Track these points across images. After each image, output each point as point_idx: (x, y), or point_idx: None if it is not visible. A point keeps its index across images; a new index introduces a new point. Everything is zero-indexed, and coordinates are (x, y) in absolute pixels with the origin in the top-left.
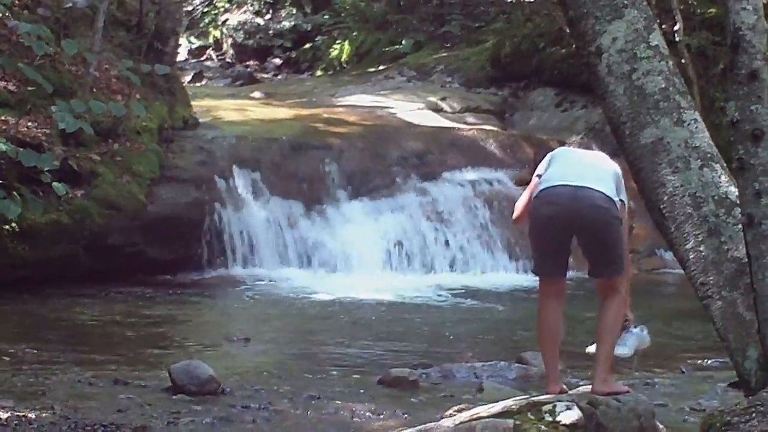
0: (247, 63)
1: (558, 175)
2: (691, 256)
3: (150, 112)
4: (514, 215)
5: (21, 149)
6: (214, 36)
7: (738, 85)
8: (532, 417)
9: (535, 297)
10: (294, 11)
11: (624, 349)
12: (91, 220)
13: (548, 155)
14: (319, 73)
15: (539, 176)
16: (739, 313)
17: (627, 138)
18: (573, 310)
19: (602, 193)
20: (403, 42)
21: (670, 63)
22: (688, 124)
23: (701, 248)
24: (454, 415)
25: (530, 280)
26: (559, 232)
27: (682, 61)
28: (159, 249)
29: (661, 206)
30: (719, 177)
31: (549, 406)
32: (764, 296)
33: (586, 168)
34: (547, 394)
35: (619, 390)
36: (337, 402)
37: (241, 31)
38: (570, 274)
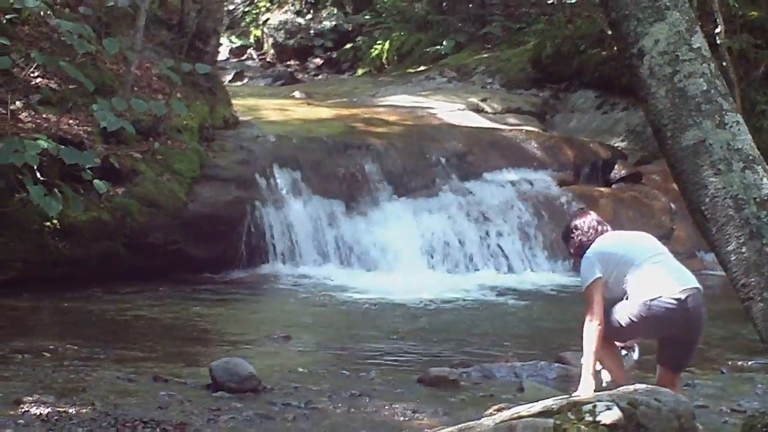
0: (288, 63)
1: (664, 284)
2: (733, 258)
3: (191, 111)
4: (597, 330)
5: (62, 147)
6: (255, 35)
7: None
8: (572, 417)
9: (573, 295)
10: (335, 11)
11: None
12: (132, 218)
13: (597, 255)
14: (359, 72)
15: (601, 279)
16: None
17: (669, 140)
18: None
19: (700, 289)
20: (444, 43)
21: (712, 65)
22: (731, 126)
23: (743, 250)
24: (494, 414)
25: (570, 280)
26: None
27: (723, 63)
28: (199, 247)
29: (703, 208)
30: (761, 179)
31: (589, 406)
32: None
33: (669, 262)
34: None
35: None
36: (377, 401)
37: (282, 31)
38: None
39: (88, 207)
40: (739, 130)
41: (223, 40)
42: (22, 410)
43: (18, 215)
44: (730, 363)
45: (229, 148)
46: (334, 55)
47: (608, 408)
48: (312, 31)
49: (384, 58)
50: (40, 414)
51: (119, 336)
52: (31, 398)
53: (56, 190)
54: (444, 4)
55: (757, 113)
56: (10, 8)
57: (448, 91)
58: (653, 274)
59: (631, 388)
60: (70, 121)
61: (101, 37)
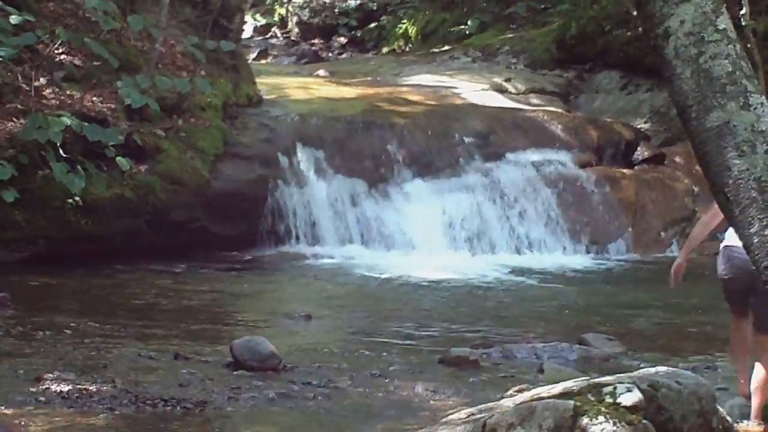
0: (312, 41)
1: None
2: (755, 240)
3: (215, 89)
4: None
5: (86, 124)
6: (279, 14)
7: None
8: (593, 398)
9: (594, 277)
10: None
11: None
12: (155, 196)
13: None
14: (384, 52)
15: None
16: None
17: (693, 121)
18: (617, 291)
19: None
20: (469, 22)
21: (738, 47)
22: (755, 108)
23: (766, 232)
24: (515, 395)
25: (592, 262)
26: (737, 292)
27: (748, 45)
28: (221, 225)
29: (726, 189)
30: None
31: (610, 388)
32: None
33: None
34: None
35: None
36: (398, 380)
37: (307, 10)
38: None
39: (111, 184)
40: (763, 111)
41: (248, 18)
42: (43, 387)
43: (41, 192)
44: (752, 346)
45: (252, 126)
46: (359, 34)
47: (629, 390)
48: (336, 10)
49: (408, 37)
50: (61, 391)
51: (140, 313)
52: (51, 375)
53: (79, 167)
54: None
55: None
56: None
57: (472, 71)
58: None
59: (653, 370)
60: (94, 98)
61: (126, 14)
